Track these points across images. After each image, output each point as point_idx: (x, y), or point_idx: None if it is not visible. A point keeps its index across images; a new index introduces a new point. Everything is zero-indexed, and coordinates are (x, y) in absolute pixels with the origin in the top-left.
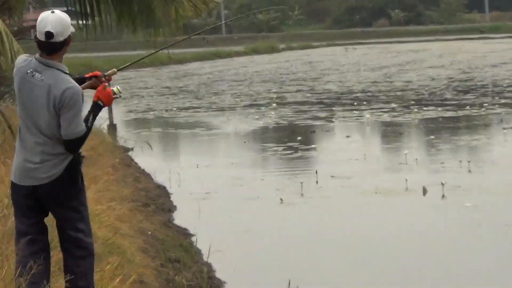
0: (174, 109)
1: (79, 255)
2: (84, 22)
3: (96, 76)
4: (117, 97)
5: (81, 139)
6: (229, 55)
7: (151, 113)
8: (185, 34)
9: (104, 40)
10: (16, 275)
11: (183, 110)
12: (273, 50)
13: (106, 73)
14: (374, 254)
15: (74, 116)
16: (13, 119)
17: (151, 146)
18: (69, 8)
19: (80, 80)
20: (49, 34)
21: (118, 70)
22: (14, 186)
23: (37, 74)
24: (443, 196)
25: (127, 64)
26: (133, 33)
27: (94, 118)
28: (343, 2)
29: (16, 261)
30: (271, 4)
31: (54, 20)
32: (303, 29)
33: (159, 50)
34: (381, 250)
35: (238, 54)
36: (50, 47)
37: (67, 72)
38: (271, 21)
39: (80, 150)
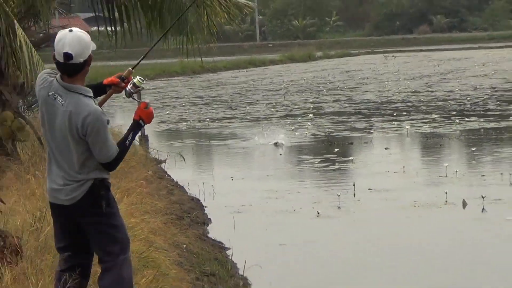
0: (207, 119)
1: (111, 270)
2: (113, 28)
3: (115, 84)
4: (140, 89)
5: (116, 160)
6: (264, 63)
7: (184, 123)
8: (218, 41)
9: (133, 47)
10: None
11: (217, 121)
12: (309, 58)
13: (123, 75)
14: (413, 269)
15: (102, 142)
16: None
17: (184, 158)
18: (97, 13)
19: (99, 89)
20: (68, 56)
21: (132, 68)
22: (50, 205)
23: (58, 98)
24: (483, 210)
25: (139, 60)
26: (164, 40)
27: (133, 137)
28: (383, 7)
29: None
30: (308, 9)
31: (72, 40)
32: (341, 36)
33: (156, 42)
34: (420, 264)
35: (273, 62)
36: (70, 69)
37: (89, 94)
38: (308, 27)
39: (106, 176)
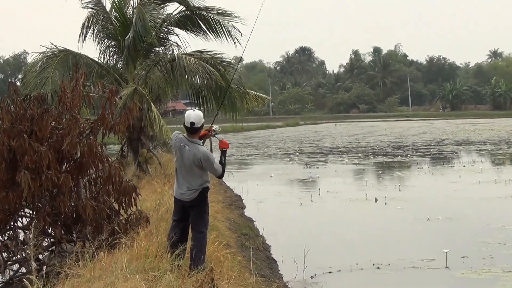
0: (245, 154)
1: (199, 236)
2: (199, 108)
3: (206, 134)
4: (217, 132)
5: (223, 172)
6: (273, 127)
7: (233, 156)
8: (251, 115)
9: (209, 117)
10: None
11: (249, 156)
12: (297, 124)
13: (208, 129)
14: (349, 231)
15: (212, 166)
16: (162, 158)
17: (233, 174)
18: (190, 100)
19: (201, 137)
20: (192, 124)
21: (211, 125)
22: (175, 199)
23: (186, 146)
24: (385, 203)
25: (213, 121)
26: (225, 114)
27: (225, 158)
28: (334, 99)
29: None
30: (297, 101)
31: (194, 115)
32: (312, 114)
33: (217, 112)
34: (352, 229)
35: (278, 126)
36: (193, 130)
37: (201, 144)
38: (296, 109)
39: (209, 185)
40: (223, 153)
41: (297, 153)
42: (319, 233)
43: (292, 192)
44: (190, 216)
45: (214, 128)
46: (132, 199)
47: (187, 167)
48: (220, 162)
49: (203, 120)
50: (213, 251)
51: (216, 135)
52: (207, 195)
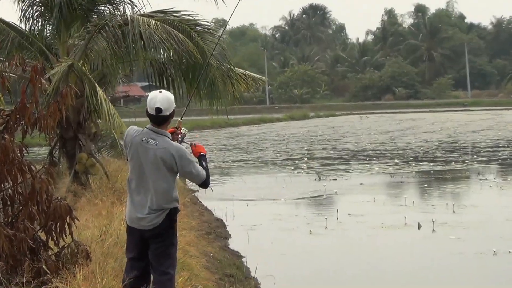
0: (229, 161)
1: (163, 279)
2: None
3: (173, 133)
4: (186, 134)
5: (207, 177)
6: (271, 120)
7: (212, 164)
8: (239, 104)
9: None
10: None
11: (236, 162)
12: (305, 117)
13: (176, 126)
14: (380, 273)
15: (190, 166)
16: (108, 167)
17: (212, 189)
18: (150, 83)
19: None
20: (158, 110)
21: (181, 119)
22: (128, 228)
23: (151, 140)
24: (433, 231)
25: (182, 114)
26: (199, 102)
27: (206, 163)
28: (358, 81)
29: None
30: (304, 82)
31: (162, 98)
32: (328, 101)
33: (189, 100)
34: (386, 270)
35: (278, 120)
36: (159, 120)
37: (171, 137)
38: (304, 95)
39: (177, 205)
40: (200, 158)
41: (306, 159)
42: (337, 275)
43: (298, 214)
44: (151, 250)
45: (182, 130)
46: (66, 226)
47: (151, 172)
48: (203, 167)
49: (174, 106)
50: None
51: (183, 137)
52: (176, 220)
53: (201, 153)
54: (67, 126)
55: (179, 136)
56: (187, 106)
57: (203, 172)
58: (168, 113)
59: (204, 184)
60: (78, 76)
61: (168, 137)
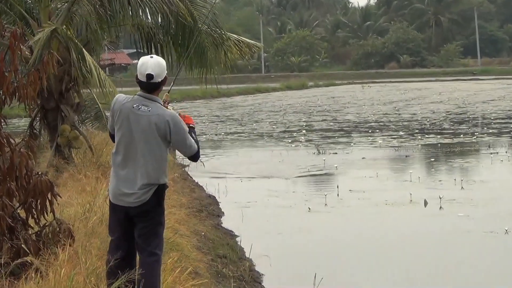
0: (222, 133)
1: (150, 261)
2: None
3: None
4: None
5: (198, 149)
6: (267, 90)
7: (204, 136)
8: (232, 73)
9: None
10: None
11: (229, 135)
12: (303, 86)
13: (163, 99)
14: (382, 254)
15: (185, 136)
16: (92, 140)
17: (203, 164)
18: (138, 50)
19: None
20: (149, 76)
21: (168, 92)
22: (112, 205)
23: (143, 107)
24: (440, 208)
25: (171, 85)
26: (189, 71)
27: (195, 136)
28: (360, 48)
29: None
30: (302, 49)
31: (153, 64)
32: (327, 70)
33: (179, 69)
34: (389, 251)
35: (274, 89)
36: (150, 87)
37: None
38: (302, 63)
39: (166, 181)
40: (190, 132)
41: (304, 131)
42: (338, 255)
43: (295, 191)
44: (137, 230)
45: (169, 106)
46: (47, 203)
47: (142, 142)
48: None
49: (166, 72)
50: (173, 282)
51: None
52: (164, 197)
53: (190, 125)
54: (48, 96)
55: (183, 115)
56: (176, 76)
57: (194, 144)
58: (159, 80)
59: (195, 157)
60: (62, 42)
61: (161, 104)
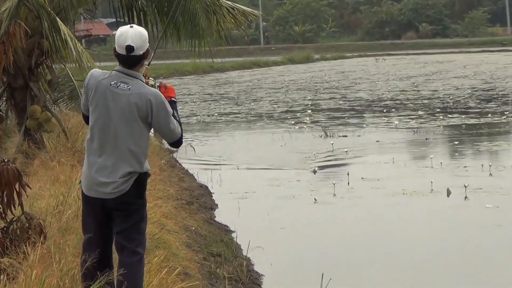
0: (216, 114)
1: (132, 261)
2: None
3: None
4: (154, 86)
5: (181, 136)
6: (267, 64)
7: (194, 118)
8: (227, 44)
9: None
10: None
11: (224, 116)
12: (308, 60)
13: (144, 74)
14: (400, 252)
15: (168, 119)
16: (66, 123)
17: (194, 149)
18: (118, 19)
19: None
20: (130, 48)
21: (148, 65)
22: (85, 197)
23: (122, 84)
24: (465, 198)
25: (151, 57)
26: (177, 43)
27: (177, 112)
28: (373, 15)
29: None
30: (307, 17)
31: (133, 34)
32: (336, 41)
33: (160, 38)
34: (407, 248)
35: (275, 63)
36: (131, 61)
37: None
38: (307, 33)
39: (149, 168)
40: (171, 105)
41: (309, 111)
42: (348, 253)
43: (300, 179)
44: (116, 225)
45: (149, 79)
46: (15, 195)
47: (121, 124)
48: (176, 120)
49: (148, 44)
50: (159, 285)
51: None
52: (146, 187)
53: (172, 98)
54: (15, 72)
55: (148, 80)
56: (156, 46)
57: (178, 127)
58: (141, 52)
59: (177, 142)
60: (32, 10)
61: (142, 81)
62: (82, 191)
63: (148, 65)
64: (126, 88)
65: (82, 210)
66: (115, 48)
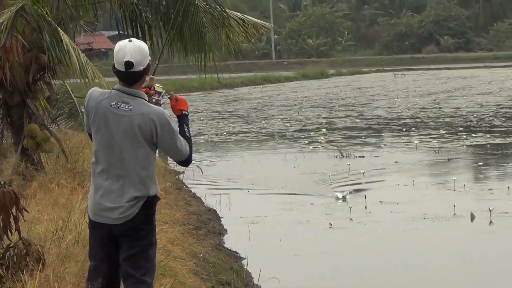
0: (224, 133)
1: None
2: None
3: (145, 94)
4: (162, 93)
5: (191, 151)
6: (279, 80)
7: (202, 137)
8: (236, 59)
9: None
10: None
11: (233, 135)
12: (322, 75)
13: (148, 85)
14: (422, 281)
15: (175, 139)
16: (66, 142)
17: (201, 170)
18: (121, 32)
19: None
20: (129, 64)
21: (153, 75)
22: (92, 222)
23: (123, 105)
24: (490, 223)
25: (156, 66)
26: (184, 57)
27: (188, 127)
28: (392, 28)
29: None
30: (321, 29)
31: (133, 49)
32: (352, 55)
33: (164, 45)
34: (430, 277)
35: (288, 79)
36: (131, 77)
37: (147, 98)
38: (321, 46)
39: (158, 191)
40: (182, 119)
41: (324, 130)
42: (366, 283)
43: (314, 203)
44: (123, 252)
45: (156, 86)
46: (12, 219)
47: (125, 147)
48: (182, 135)
49: (149, 59)
50: None
51: (159, 99)
52: (155, 211)
53: (183, 111)
54: (12, 89)
55: (154, 97)
56: (159, 57)
57: (186, 145)
58: (141, 68)
59: (186, 162)
60: (31, 22)
61: (145, 99)
62: (89, 216)
63: (153, 74)
64: (128, 109)
65: (89, 236)
66: (113, 64)
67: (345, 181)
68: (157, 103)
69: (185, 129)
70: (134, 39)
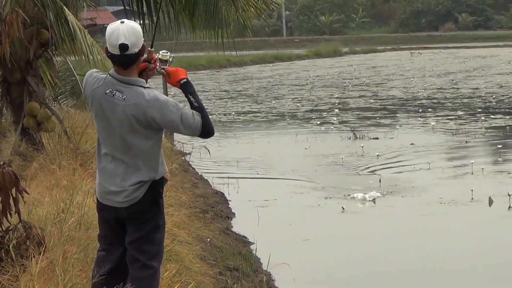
0: (233, 113)
1: (145, 275)
2: (141, 22)
3: (145, 69)
4: (170, 61)
5: (208, 122)
6: (290, 58)
7: (210, 117)
8: (245, 36)
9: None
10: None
11: (242, 115)
12: (335, 53)
13: (147, 58)
14: (437, 267)
15: (182, 120)
16: (68, 121)
17: (209, 151)
18: (126, 7)
19: (140, 74)
20: (123, 47)
21: (150, 48)
22: (99, 204)
23: (116, 94)
24: (509, 207)
25: (153, 38)
26: (191, 33)
27: (195, 95)
28: (408, 5)
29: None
30: (335, 5)
31: (126, 31)
32: (367, 32)
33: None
34: (446, 262)
35: (299, 57)
36: (126, 60)
37: (146, 86)
38: (334, 23)
39: (165, 172)
40: (184, 88)
41: (336, 110)
42: (378, 269)
43: (325, 186)
44: (128, 236)
45: (160, 54)
46: (11, 201)
47: (124, 132)
48: (191, 106)
49: (143, 40)
50: None
51: (164, 68)
52: (162, 194)
53: (182, 79)
54: (12, 65)
55: (157, 68)
56: (155, 28)
57: (195, 118)
58: (136, 50)
59: (206, 133)
60: None
61: (141, 86)
62: (97, 198)
63: (151, 47)
64: (121, 98)
65: (98, 218)
66: (106, 48)
67: (359, 164)
68: (162, 69)
69: (191, 99)
70: (126, 20)
